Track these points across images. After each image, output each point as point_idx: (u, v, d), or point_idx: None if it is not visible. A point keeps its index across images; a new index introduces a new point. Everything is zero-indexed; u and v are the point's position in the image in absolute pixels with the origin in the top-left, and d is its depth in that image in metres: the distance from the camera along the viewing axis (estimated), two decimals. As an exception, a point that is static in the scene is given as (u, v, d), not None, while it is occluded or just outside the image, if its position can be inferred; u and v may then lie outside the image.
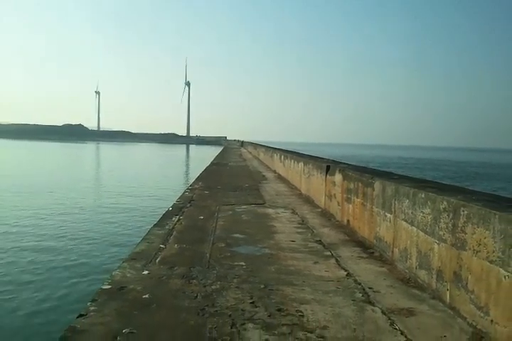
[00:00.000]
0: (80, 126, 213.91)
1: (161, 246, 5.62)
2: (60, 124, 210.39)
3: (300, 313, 3.55)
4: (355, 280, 4.44)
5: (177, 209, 8.61)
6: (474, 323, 3.29)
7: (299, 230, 6.96)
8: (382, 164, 62.97)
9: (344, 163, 9.97)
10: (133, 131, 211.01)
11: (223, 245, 5.79)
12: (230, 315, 3.45)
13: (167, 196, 22.39)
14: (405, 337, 3.18)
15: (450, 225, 3.78)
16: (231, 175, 17.57)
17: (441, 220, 3.94)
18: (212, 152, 64.99)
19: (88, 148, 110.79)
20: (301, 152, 19.48)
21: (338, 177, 8.03)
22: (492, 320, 3.08)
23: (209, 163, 26.68)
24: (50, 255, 11.98)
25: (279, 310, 3.61)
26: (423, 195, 4.39)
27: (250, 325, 3.28)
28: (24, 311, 8.19)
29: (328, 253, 5.56)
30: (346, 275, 4.63)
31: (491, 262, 3.14)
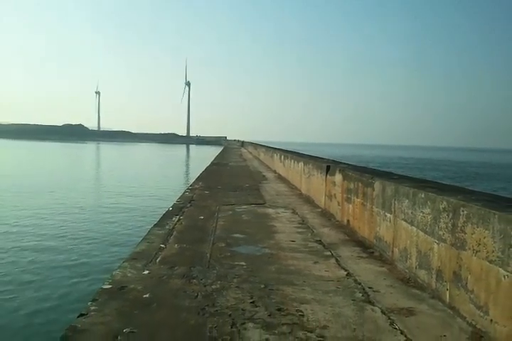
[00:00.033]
0: (80, 126, 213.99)
1: (162, 245, 5.63)
2: (60, 124, 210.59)
3: (300, 313, 3.56)
4: (355, 280, 4.45)
5: (177, 209, 8.62)
6: (474, 323, 3.30)
7: (299, 230, 6.97)
8: (382, 164, 62.98)
9: (344, 163, 9.98)
10: (133, 131, 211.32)
11: (223, 245, 5.80)
12: (230, 315, 3.46)
13: (167, 196, 22.41)
14: (405, 336, 3.19)
15: (450, 225, 3.79)
16: (231, 175, 17.58)
17: (441, 220, 3.95)
18: (212, 152, 65.00)
19: (88, 148, 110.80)
20: (301, 152, 19.49)
21: (338, 177, 8.05)
22: (491, 320, 3.09)
23: (209, 163, 26.69)
24: (50, 255, 11.99)
25: (279, 309, 3.62)
26: (423, 195, 4.40)
27: (250, 325, 3.30)
28: (25, 311, 8.20)
29: (328, 253, 5.57)
30: (346, 275, 4.64)
31: (490, 262, 3.15)
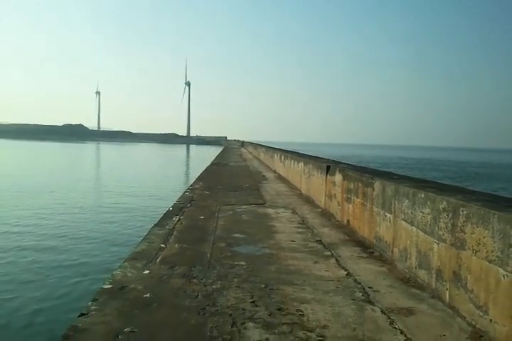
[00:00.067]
0: (80, 126, 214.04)
1: (162, 245, 5.64)
2: (60, 124, 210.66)
3: (300, 312, 3.57)
4: (355, 280, 4.46)
5: (177, 209, 8.62)
6: (473, 322, 3.31)
7: (299, 230, 6.98)
8: (383, 164, 62.98)
9: (344, 163, 9.99)
10: (133, 131, 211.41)
11: (224, 245, 5.81)
12: (230, 314, 3.47)
13: (167, 196, 22.41)
14: (405, 336, 3.20)
15: (449, 225, 3.79)
16: (231, 175, 17.59)
17: (441, 220, 3.96)
18: (212, 152, 65.01)
19: (88, 148, 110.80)
20: (301, 152, 19.50)
21: (338, 177, 8.05)
22: (491, 319, 3.10)
23: (209, 163, 26.70)
24: (50, 254, 12.00)
25: (280, 309, 3.63)
26: (423, 195, 4.41)
27: (251, 324, 3.30)
28: (26, 310, 8.21)
29: (328, 253, 5.57)
30: (346, 274, 4.65)
31: (490, 262, 3.16)
